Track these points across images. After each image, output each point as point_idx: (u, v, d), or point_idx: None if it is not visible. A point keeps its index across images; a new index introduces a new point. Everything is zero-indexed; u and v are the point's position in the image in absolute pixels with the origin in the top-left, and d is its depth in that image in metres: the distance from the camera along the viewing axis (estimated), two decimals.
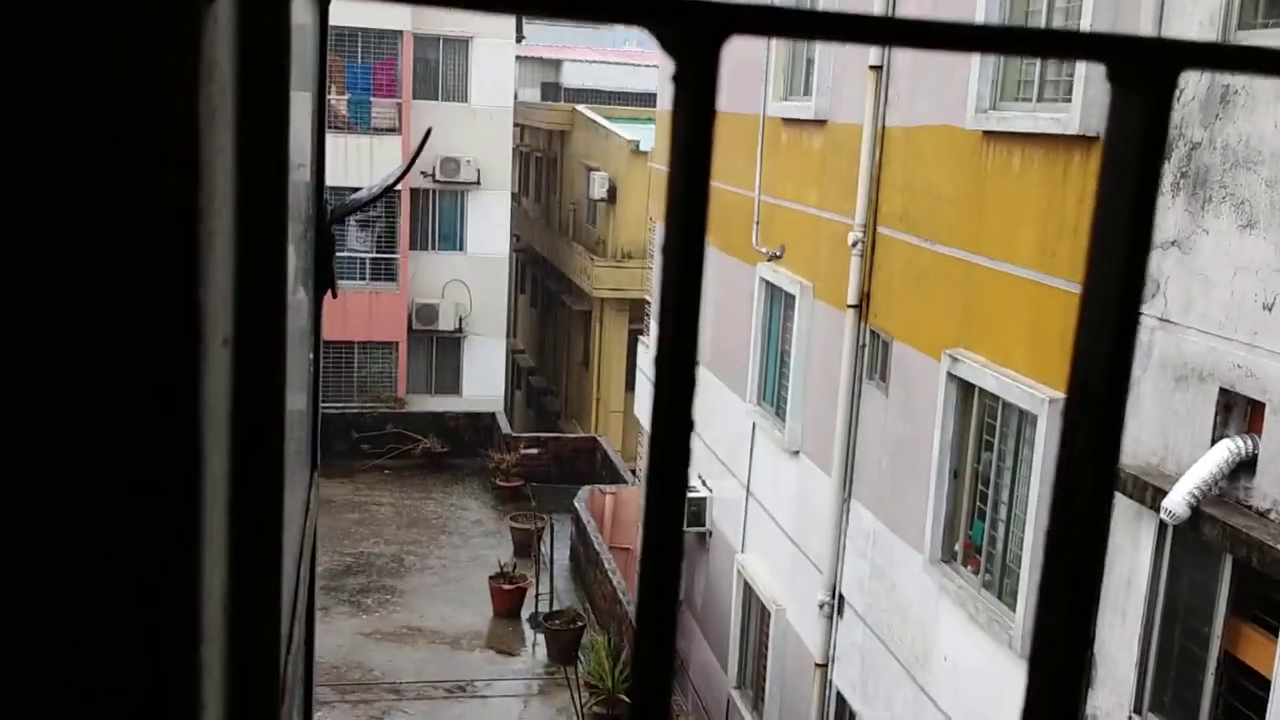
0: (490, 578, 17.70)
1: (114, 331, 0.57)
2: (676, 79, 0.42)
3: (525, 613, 17.46)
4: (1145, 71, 0.47)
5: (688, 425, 0.46)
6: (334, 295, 2.35)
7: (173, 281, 0.58)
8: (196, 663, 0.65)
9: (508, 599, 17.43)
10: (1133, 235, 0.49)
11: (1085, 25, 7.36)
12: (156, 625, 0.62)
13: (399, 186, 24.44)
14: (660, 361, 0.45)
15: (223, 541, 0.89)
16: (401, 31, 24.93)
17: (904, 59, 10.04)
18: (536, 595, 17.40)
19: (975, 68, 8.64)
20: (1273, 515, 5.91)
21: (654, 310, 16.91)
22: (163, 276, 0.57)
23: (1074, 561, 0.51)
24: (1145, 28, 6.84)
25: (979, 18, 8.58)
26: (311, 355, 2.25)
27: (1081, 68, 7.38)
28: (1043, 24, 8.13)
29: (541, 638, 16.66)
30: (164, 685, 0.63)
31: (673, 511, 0.46)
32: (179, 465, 0.61)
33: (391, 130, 24.99)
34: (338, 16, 25.82)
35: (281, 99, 1.03)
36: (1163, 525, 6.55)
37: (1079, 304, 0.52)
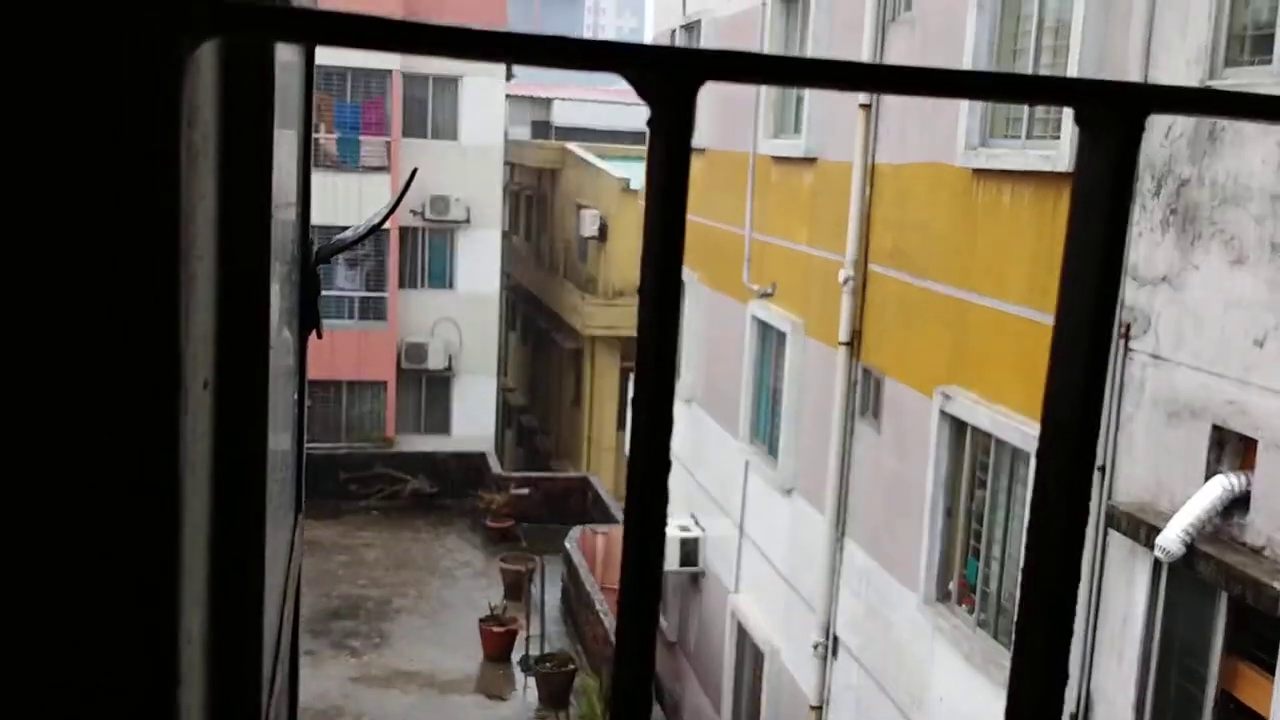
0: (480, 620, 17.55)
1: (91, 374, 0.58)
2: (651, 124, 0.44)
3: (516, 656, 17.31)
4: (1112, 115, 0.45)
5: (664, 464, 0.49)
6: (319, 336, 2.32)
7: (152, 325, 0.59)
8: (175, 705, 0.65)
9: (498, 642, 17.27)
10: (1103, 272, 0.49)
11: (1073, 62, 7.40)
12: (133, 667, 0.62)
13: (387, 225, 24.51)
14: (638, 402, 0.47)
15: (203, 584, 0.88)
16: (391, 70, 25.07)
17: (893, 97, 10.10)
18: (527, 638, 17.25)
19: (964, 105, 8.68)
20: (1267, 552, 5.87)
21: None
22: (142, 320, 0.58)
23: (1051, 592, 0.51)
24: (1133, 65, 6.87)
25: (967, 56, 8.63)
26: (296, 396, 2.23)
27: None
28: (1030, 61, 8.18)
29: (532, 681, 16.49)
30: None
31: (652, 549, 0.48)
32: (157, 508, 0.61)
33: (381, 169, 25.07)
34: (326, 56, 26.01)
35: (265, 144, 1.03)
36: (1157, 563, 6.50)
37: (1051, 338, 0.52)
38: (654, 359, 0.45)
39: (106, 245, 0.56)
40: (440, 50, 0.44)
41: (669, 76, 0.43)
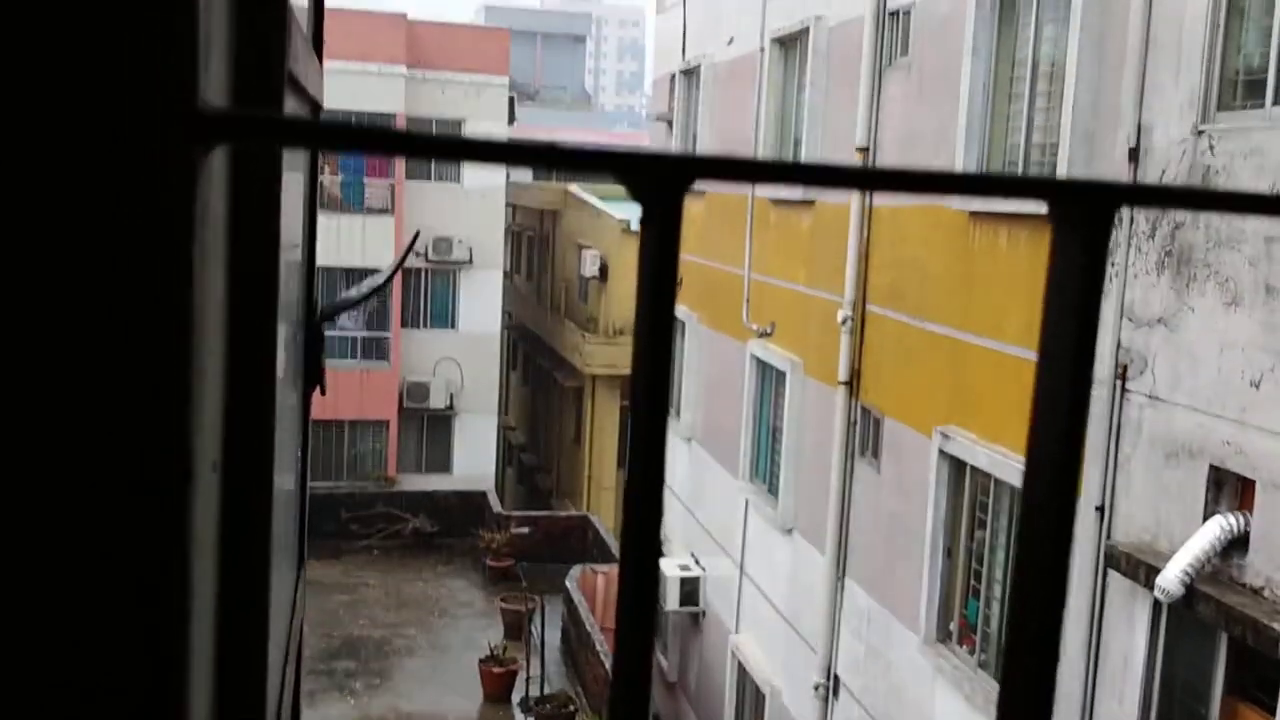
0: (480, 660, 17.47)
1: (103, 462, 0.59)
2: (644, 221, 0.47)
3: (516, 696, 17.20)
4: (1084, 211, 0.50)
5: (655, 553, 0.47)
6: (323, 392, 2.34)
7: (163, 422, 0.59)
8: None
9: (498, 682, 17.18)
10: (1076, 361, 0.51)
11: (1067, 105, 7.50)
12: None
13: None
14: (629, 494, 0.47)
15: (209, 655, 0.90)
16: (395, 114, 25.28)
17: (890, 140, 10.20)
18: (527, 678, 17.16)
19: (960, 148, 8.78)
20: (1266, 593, 5.89)
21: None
22: (153, 416, 0.59)
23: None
24: (1126, 109, 6.97)
25: (963, 99, 8.74)
26: (299, 452, 2.24)
27: (1065, 149, 7.51)
28: (1025, 105, 8.28)
29: None
30: None
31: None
32: (165, 601, 0.62)
33: (384, 211, 25.22)
34: (332, 100, 26.27)
35: (272, 225, 1.04)
36: (1157, 603, 6.51)
37: (1028, 433, 0.54)
38: (645, 443, 0.46)
39: (117, 350, 0.58)
40: (444, 156, 0.47)
41: (659, 178, 0.46)
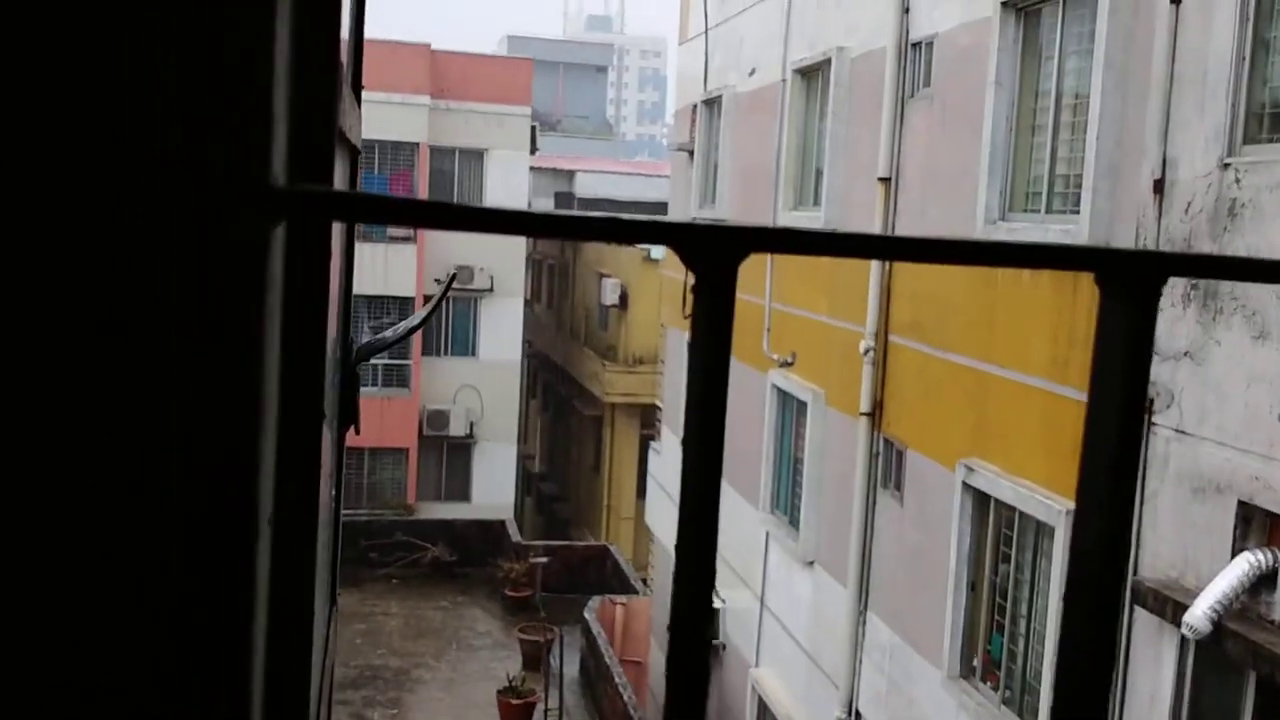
0: (498, 692, 17.38)
1: (175, 521, 0.60)
2: (698, 290, 0.48)
3: None
4: (1130, 280, 0.48)
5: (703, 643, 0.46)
6: (357, 432, 2.35)
7: (233, 475, 0.62)
8: None
9: (516, 714, 17.09)
10: (1123, 428, 0.51)
11: (1090, 139, 7.47)
12: None
13: (412, 293, 24.71)
14: (680, 564, 0.49)
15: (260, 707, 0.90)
16: (418, 144, 25.46)
17: (913, 169, 10.19)
18: (545, 710, 17.06)
19: (984, 178, 8.76)
20: None
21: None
22: (225, 473, 0.61)
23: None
24: (1150, 143, 6.94)
25: (986, 131, 8.72)
26: (334, 492, 2.23)
27: (1089, 181, 7.48)
28: (1049, 137, 8.26)
29: None
30: None
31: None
32: (231, 666, 0.63)
33: (407, 239, 25.36)
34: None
35: (320, 306, 1.06)
36: (1184, 641, 6.42)
37: (1075, 494, 0.54)
38: (697, 503, 0.47)
39: (193, 421, 0.60)
40: (496, 229, 0.48)
41: (715, 250, 0.46)
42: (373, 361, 25.78)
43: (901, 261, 0.48)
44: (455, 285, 26.10)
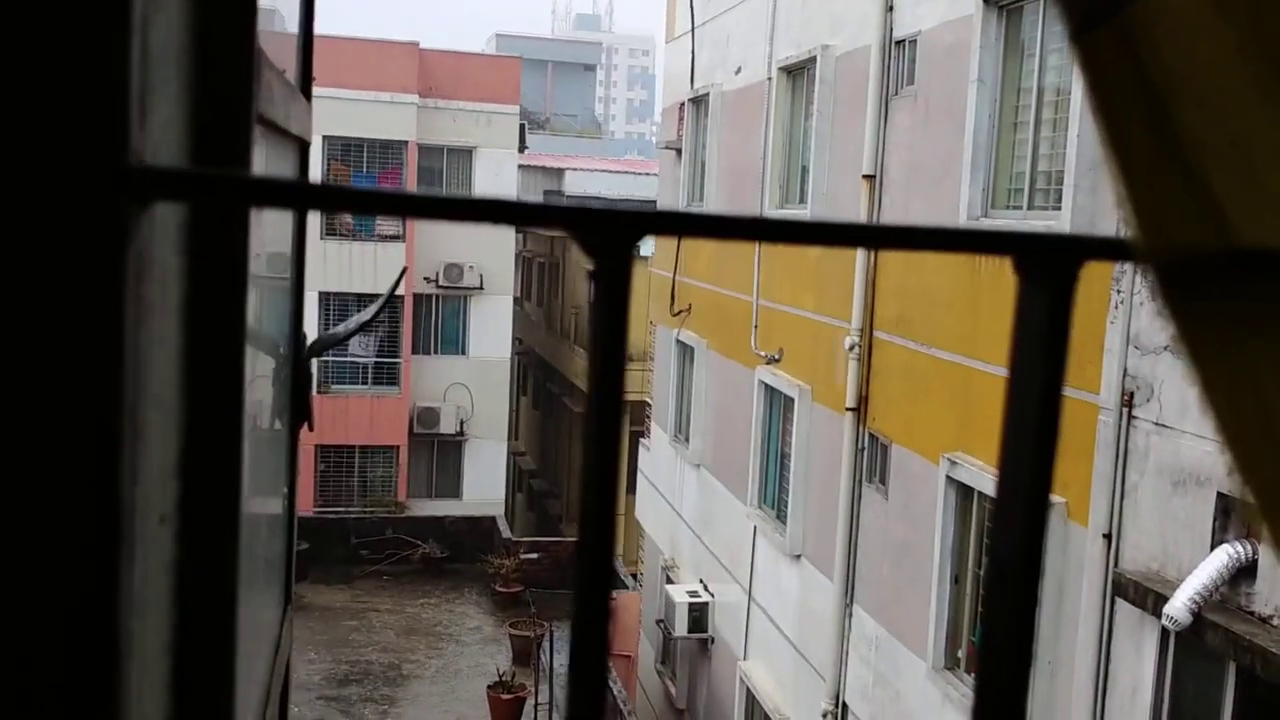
0: (489, 687, 17.42)
1: (27, 523, 0.58)
2: (594, 276, 0.48)
3: None
4: (1048, 264, 0.52)
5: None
6: (310, 428, 2.35)
7: (91, 482, 0.58)
8: None
9: (507, 709, 17.13)
10: (1042, 415, 0.54)
11: (1072, 135, 7.54)
12: None
13: (401, 292, 24.68)
14: (580, 560, 0.50)
15: (162, 707, 0.87)
16: (406, 141, 25.44)
17: (897, 166, 10.26)
18: (536, 705, 17.11)
19: (967, 175, 8.83)
20: (1275, 621, 5.88)
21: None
22: (79, 477, 0.58)
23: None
24: None
25: (969, 128, 8.79)
26: (287, 489, 2.22)
27: (1070, 177, 7.55)
28: (1031, 133, 8.33)
29: None
30: None
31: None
32: (97, 665, 0.61)
33: (395, 238, 25.33)
34: (345, 129, 26.14)
35: (238, 297, 1.02)
36: (1165, 632, 6.50)
37: (995, 487, 0.56)
38: (597, 472, 0.48)
39: (46, 402, 0.57)
40: (377, 211, 0.48)
41: (609, 235, 0.48)
42: (362, 360, 25.76)
43: (797, 245, 0.51)
44: (445, 283, 26.08)
